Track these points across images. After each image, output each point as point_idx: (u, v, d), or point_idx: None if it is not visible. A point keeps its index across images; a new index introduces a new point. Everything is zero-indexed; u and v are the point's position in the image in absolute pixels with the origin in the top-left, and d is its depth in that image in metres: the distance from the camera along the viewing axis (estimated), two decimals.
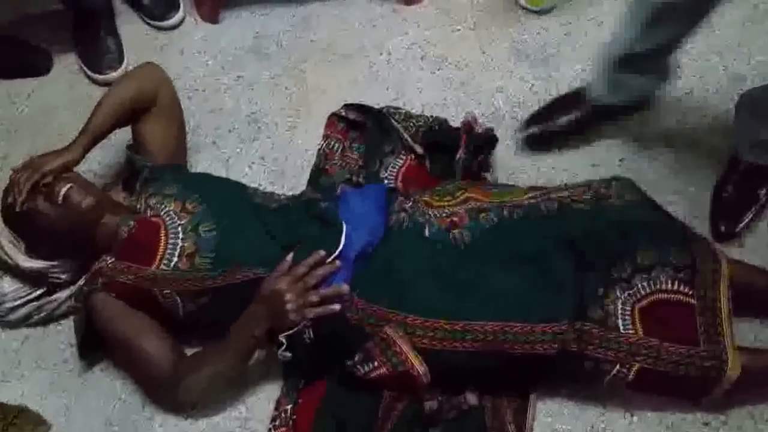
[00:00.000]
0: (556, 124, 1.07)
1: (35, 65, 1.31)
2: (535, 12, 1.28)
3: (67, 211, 0.92)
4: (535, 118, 1.09)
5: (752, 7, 1.23)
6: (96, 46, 1.28)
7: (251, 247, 0.91)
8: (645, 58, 0.96)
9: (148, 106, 1.05)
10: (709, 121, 1.13)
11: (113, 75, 1.28)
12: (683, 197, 1.04)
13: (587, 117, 1.06)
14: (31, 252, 0.98)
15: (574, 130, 1.08)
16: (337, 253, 0.87)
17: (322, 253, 0.87)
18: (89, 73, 1.29)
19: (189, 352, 0.95)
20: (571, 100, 1.08)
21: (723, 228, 0.99)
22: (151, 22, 1.37)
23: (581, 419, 0.89)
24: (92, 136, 0.98)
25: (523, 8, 1.29)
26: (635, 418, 0.88)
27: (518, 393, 0.90)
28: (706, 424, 0.87)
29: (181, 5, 1.37)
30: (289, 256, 0.88)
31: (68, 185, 0.92)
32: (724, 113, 1.12)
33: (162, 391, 0.94)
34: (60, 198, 0.92)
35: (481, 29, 1.28)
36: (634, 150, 1.11)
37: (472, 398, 0.89)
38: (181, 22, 1.37)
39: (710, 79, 1.16)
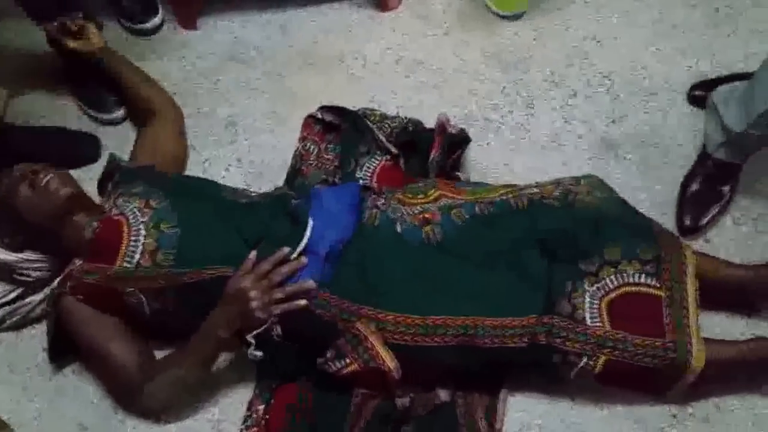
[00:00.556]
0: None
1: (83, 154, 1.21)
2: (507, 18, 1.31)
3: (45, 198, 0.94)
4: (703, 84, 1.15)
5: (714, 11, 1.27)
6: (94, 88, 1.25)
7: (216, 244, 0.91)
8: None
9: (147, 113, 1.14)
10: (675, 119, 1.15)
11: (121, 113, 1.25)
12: (650, 194, 1.06)
13: None
14: (2, 243, 0.99)
15: None
16: (300, 249, 0.87)
17: (286, 250, 0.87)
18: (95, 114, 1.25)
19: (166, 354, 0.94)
20: (739, 78, 1.09)
21: (688, 222, 1.01)
22: (129, 25, 1.37)
23: (552, 413, 0.90)
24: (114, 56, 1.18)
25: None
26: (605, 412, 0.89)
27: (489, 388, 0.90)
28: (674, 415, 0.88)
29: (160, 10, 1.38)
30: (252, 254, 0.88)
31: (50, 174, 0.96)
32: (690, 112, 1.15)
33: (129, 397, 0.93)
34: (42, 184, 0.94)
35: (455, 34, 1.31)
36: (603, 149, 1.14)
37: (443, 394, 0.90)
38: (160, 26, 1.38)
39: (675, 78, 1.19)
